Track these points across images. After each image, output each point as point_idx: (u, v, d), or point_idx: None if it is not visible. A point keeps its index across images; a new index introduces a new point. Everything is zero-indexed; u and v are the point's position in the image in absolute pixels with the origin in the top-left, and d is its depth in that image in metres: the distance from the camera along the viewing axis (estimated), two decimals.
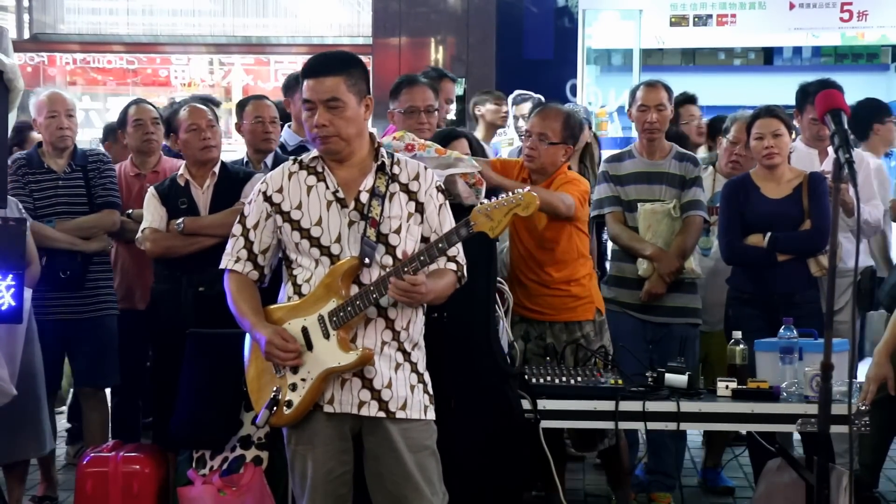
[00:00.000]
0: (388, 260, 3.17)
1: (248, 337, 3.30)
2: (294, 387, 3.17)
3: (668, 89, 5.10)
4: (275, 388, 3.19)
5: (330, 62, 3.18)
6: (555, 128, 4.48)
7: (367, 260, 3.13)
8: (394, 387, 3.18)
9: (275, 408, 3.17)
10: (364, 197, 3.18)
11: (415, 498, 3.18)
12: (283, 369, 3.19)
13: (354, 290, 3.14)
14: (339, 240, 3.16)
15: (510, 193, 3.16)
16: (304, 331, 3.17)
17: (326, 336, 3.14)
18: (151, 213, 4.68)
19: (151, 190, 4.77)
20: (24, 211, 4.70)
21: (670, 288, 4.90)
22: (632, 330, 4.86)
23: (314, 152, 3.26)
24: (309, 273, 3.19)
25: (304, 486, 3.23)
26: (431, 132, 4.70)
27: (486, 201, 3.16)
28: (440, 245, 3.12)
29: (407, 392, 3.20)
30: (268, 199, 3.23)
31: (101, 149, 5.74)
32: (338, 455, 3.21)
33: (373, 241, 3.14)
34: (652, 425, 4.05)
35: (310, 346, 3.16)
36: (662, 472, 4.97)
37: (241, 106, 5.82)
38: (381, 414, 3.17)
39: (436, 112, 4.82)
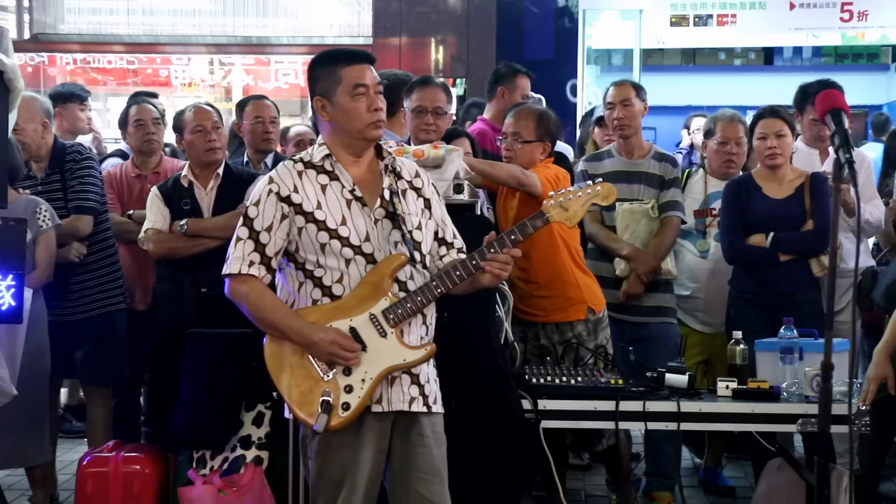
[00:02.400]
0: (416, 256, 3.15)
1: (267, 345, 3.15)
2: (349, 388, 3.06)
3: (636, 87, 5.08)
4: (324, 392, 3.07)
5: (367, 52, 3.25)
6: (528, 126, 4.51)
7: (416, 256, 3.13)
8: (431, 381, 3.21)
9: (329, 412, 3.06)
10: (387, 194, 3.16)
11: (441, 493, 3.15)
12: (331, 373, 3.08)
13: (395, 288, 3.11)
14: (368, 238, 3.11)
15: (585, 184, 3.18)
16: (353, 331, 3.08)
17: (383, 335, 3.08)
18: (154, 213, 4.66)
19: (154, 190, 4.74)
20: (55, 216, 4.64)
21: (645, 288, 4.89)
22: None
23: (322, 151, 3.17)
24: (339, 273, 3.10)
25: (339, 487, 3.10)
26: (438, 135, 4.66)
27: (554, 192, 3.16)
28: (513, 237, 3.10)
29: (435, 386, 3.23)
30: (284, 199, 3.11)
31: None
32: (377, 455, 3.15)
33: (409, 237, 3.13)
34: (652, 425, 4.05)
35: (363, 346, 3.08)
36: (661, 473, 4.96)
37: (240, 106, 5.82)
38: (425, 409, 3.17)
39: (445, 115, 4.80)
